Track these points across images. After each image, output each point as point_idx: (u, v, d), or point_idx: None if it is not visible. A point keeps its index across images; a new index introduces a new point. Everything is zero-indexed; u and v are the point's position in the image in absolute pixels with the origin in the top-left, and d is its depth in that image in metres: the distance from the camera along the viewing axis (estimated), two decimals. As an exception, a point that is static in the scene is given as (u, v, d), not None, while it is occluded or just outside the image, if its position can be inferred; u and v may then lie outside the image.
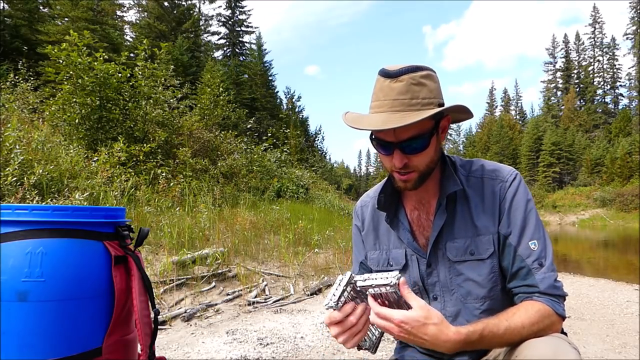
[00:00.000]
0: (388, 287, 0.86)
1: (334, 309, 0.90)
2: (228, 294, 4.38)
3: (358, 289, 0.91)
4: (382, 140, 1.04)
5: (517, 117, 76.19)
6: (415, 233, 1.16)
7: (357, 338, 0.94)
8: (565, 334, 1.02)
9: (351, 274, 0.91)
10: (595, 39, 66.40)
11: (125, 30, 28.46)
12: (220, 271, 4.79)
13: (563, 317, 0.99)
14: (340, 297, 0.89)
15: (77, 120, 7.76)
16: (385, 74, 1.02)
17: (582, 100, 66.11)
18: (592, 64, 66.76)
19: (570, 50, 69.66)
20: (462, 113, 1.10)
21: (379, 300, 0.90)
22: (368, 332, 1.02)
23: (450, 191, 1.09)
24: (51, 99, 8.52)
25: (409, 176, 1.06)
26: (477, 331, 0.90)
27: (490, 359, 1.04)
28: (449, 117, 1.09)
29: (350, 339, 0.93)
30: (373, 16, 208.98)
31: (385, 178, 1.20)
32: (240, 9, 39.53)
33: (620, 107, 62.77)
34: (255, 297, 4.46)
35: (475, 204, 1.09)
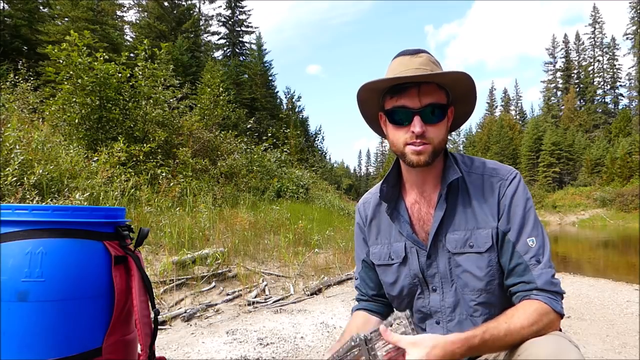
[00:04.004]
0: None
1: None
2: (228, 294, 4.38)
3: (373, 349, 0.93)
4: (402, 108, 1.07)
5: (517, 117, 76.20)
6: (415, 226, 1.18)
7: None
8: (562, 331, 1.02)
9: (365, 338, 0.92)
10: (595, 39, 66.40)
11: (125, 30, 28.49)
12: (220, 271, 4.79)
13: (561, 315, 0.99)
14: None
15: (77, 120, 7.74)
16: (405, 52, 1.12)
17: (582, 100, 66.10)
18: (592, 64, 66.73)
19: (570, 50, 69.69)
20: (465, 103, 1.15)
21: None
22: None
23: (451, 179, 1.11)
24: (51, 99, 8.50)
25: (425, 147, 1.07)
26: (477, 335, 0.91)
27: (490, 359, 1.05)
28: (452, 108, 1.14)
29: None
30: (375, 15, 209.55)
31: (389, 171, 1.22)
32: (240, 9, 39.53)
33: (620, 107, 62.78)
34: (255, 297, 4.46)
35: (476, 198, 1.12)
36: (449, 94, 1.10)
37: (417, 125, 1.04)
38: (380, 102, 1.13)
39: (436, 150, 1.08)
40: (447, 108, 1.09)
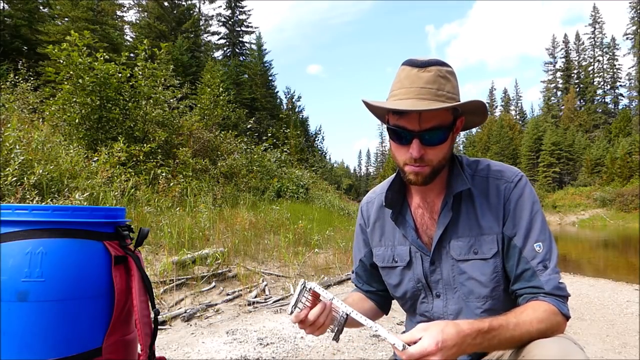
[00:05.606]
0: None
1: (291, 314, 1.05)
2: (228, 294, 4.38)
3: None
4: (402, 129, 1.03)
5: (517, 117, 76.27)
6: (419, 230, 1.17)
7: (319, 331, 1.05)
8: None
9: (304, 282, 1.03)
10: (595, 39, 66.44)
11: (125, 30, 28.51)
12: (220, 271, 4.79)
13: (567, 317, 0.99)
14: (295, 304, 1.04)
15: (77, 120, 7.75)
16: (413, 63, 1.03)
17: (582, 100, 66.14)
18: (592, 64, 66.78)
19: (570, 50, 69.72)
20: (476, 115, 1.10)
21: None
22: (331, 324, 1.10)
23: (458, 190, 1.09)
24: (51, 99, 8.52)
25: (422, 169, 1.04)
26: (485, 321, 0.91)
27: (493, 359, 1.04)
28: (463, 118, 1.09)
29: (314, 332, 1.06)
30: (376, 15, 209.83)
31: (394, 175, 1.20)
32: (240, 9, 39.57)
33: (620, 107, 62.82)
34: (255, 297, 4.46)
35: (480, 203, 1.09)
36: (457, 108, 1.05)
37: (415, 149, 1.01)
38: (386, 111, 1.11)
39: (435, 170, 1.06)
40: (451, 127, 1.04)
